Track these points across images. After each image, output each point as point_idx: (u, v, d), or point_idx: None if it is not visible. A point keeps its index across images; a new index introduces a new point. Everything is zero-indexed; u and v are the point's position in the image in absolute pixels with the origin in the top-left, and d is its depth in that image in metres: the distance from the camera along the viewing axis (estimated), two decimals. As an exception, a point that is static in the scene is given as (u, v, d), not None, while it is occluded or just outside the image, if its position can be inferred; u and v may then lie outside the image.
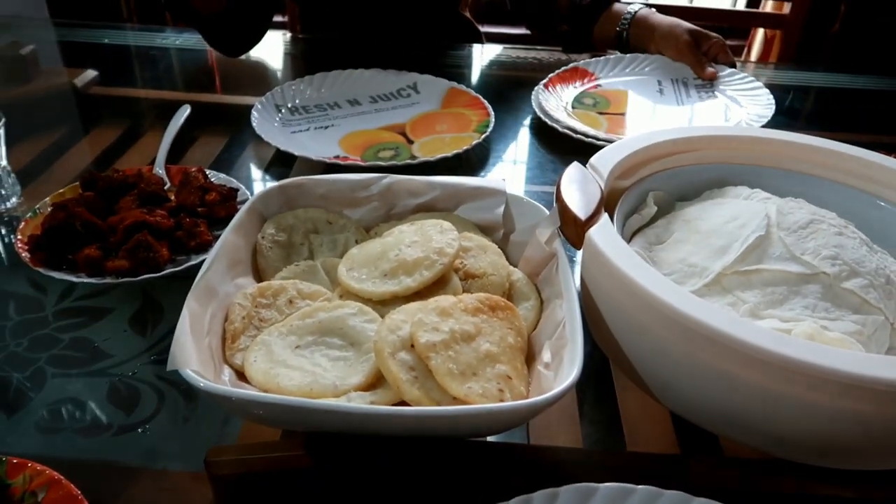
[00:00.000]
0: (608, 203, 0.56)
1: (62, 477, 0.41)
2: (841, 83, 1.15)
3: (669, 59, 1.05)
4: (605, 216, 0.52)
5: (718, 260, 0.53)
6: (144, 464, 0.49)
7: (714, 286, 0.52)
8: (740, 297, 0.51)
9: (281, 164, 0.84)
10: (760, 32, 1.50)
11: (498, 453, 0.48)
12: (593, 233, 0.51)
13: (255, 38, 1.11)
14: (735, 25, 1.56)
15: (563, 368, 0.43)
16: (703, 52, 1.04)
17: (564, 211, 0.53)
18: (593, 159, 0.60)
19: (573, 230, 0.52)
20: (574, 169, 0.58)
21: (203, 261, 0.61)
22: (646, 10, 1.09)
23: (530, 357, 0.49)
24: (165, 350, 0.58)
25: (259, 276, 0.56)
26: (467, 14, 1.30)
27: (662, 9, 1.11)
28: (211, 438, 0.51)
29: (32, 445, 0.50)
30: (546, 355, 0.45)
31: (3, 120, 0.69)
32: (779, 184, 0.63)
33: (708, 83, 1.03)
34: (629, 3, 1.11)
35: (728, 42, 1.08)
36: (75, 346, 0.58)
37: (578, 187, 0.56)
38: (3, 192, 0.72)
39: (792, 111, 1.06)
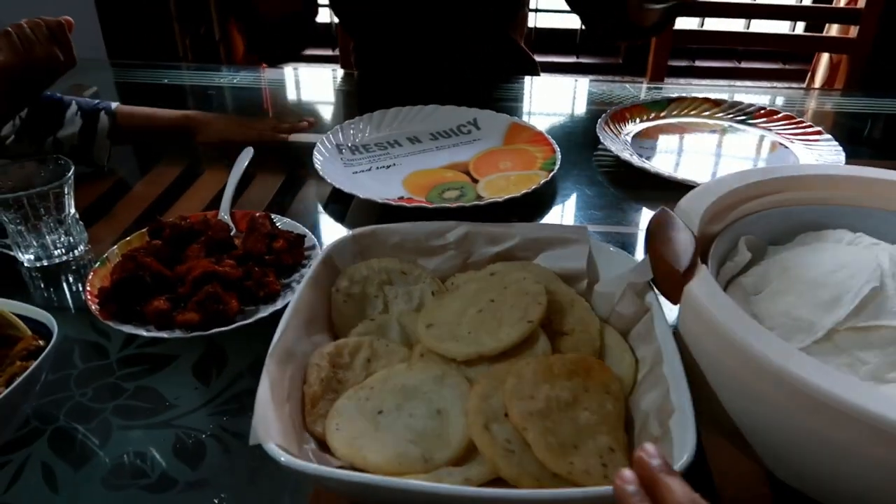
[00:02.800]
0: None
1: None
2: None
3: None
4: (704, 268, 0.49)
5: (828, 314, 0.49)
6: None
7: (826, 343, 0.48)
8: (859, 356, 0.46)
9: (339, 202, 0.83)
10: (825, 58, 1.45)
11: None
12: (694, 287, 0.47)
13: (300, 47, 1.10)
14: (796, 51, 1.51)
15: (674, 443, 0.39)
16: None
17: (659, 262, 0.50)
18: (682, 203, 0.56)
19: (669, 284, 0.49)
20: (662, 214, 0.55)
21: (273, 312, 0.60)
22: None
23: (627, 423, 0.46)
24: (230, 400, 0.57)
25: (334, 332, 0.54)
26: (522, 44, 1.28)
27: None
28: (281, 499, 0.49)
29: (98, 502, 0.49)
30: (654, 427, 0.41)
31: (73, 168, 0.69)
32: (884, 227, 0.58)
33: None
34: None
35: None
36: (140, 396, 0.57)
37: (669, 235, 0.52)
38: (72, 240, 0.72)
39: (870, 141, 1.01)
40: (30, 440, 0.53)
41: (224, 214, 0.74)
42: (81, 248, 0.73)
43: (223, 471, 0.50)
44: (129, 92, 1.22)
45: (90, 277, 0.64)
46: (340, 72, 1.30)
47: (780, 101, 1.14)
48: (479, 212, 0.68)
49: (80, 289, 0.67)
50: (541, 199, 0.84)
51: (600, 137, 0.92)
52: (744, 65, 1.74)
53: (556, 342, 0.50)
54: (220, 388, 0.58)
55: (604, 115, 0.97)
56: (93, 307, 0.60)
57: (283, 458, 0.38)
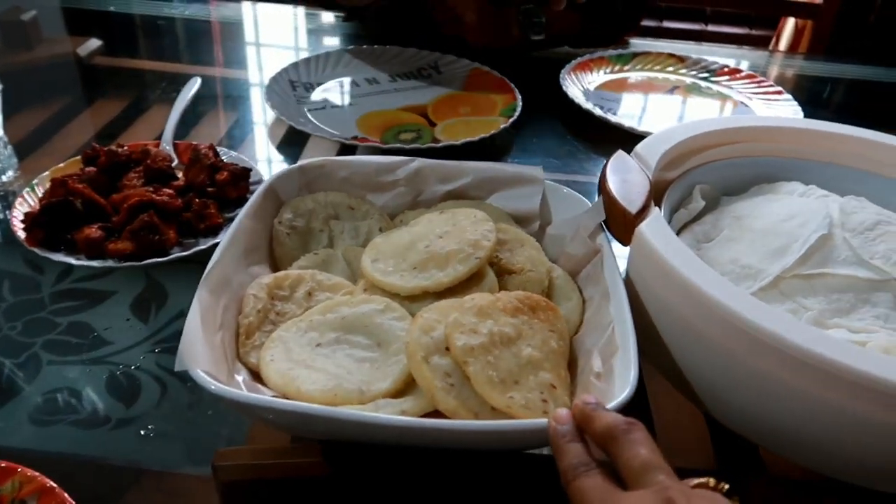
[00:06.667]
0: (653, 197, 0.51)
1: (55, 485, 0.37)
2: (879, 76, 1.10)
3: None
4: (656, 210, 0.48)
5: (776, 261, 0.49)
6: (144, 463, 0.46)
7: (771, 290, 0.48)
8: (802, 303, 0.46)
9: (293, 144, 0.80)
10: (790, 22, 1.45)
11: (532, 466, 0.44)
12: (645, 228, 0.46)
13: None
14: (763, 14, 1.50)
15: (615, 380, 0.39)
16: None
17: (611, 203, 0.49)
18: (639, 148, 0.55)
19: (621, 225, 0.48)
20: (619, 158, 0.54)
21: (213, 245, 0.57)
22: None
23: (572, 362, 0.45)
24: (170, 338, 0.55)
25: (275, 265, 0.52)
26: None
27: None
28: (217, 436, 0.48)
29: (25, 438, 0.47)
30: (596, 363, 0.41)
31: (0, 87, 0.64)
32: (835, 181, 0.58)
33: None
34: None
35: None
36: (73, 331, 0.55)
37: (624, 178, 0.51)
38: (-1, 164, 0.67)
39: (829, 105, 1.01)
40: (-51, 372, 0.50)
41: (166, 145, 0.70)
42: (10, 173, 0.68)
43: (159, 409, 0.49)
44: (74, 18, 1.15)
45: (17, 203, 0.60)
46: (301, 10, 1.24)
47: (745, 63, 1.13)
48: (434, 154, 0.66)
49: (7, 217, 0.63)
50: (499, 146, 0.82)
51: (563, 86, 0.90)
52: (711, 28, 1.74)
53: (504, 280, 0.49)
54: (158, 325, 0.56)
55: (567, 65, 0.95)
56: (19, 233, 0.57)
57: (213, 385, 0.36)
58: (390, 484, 0.41)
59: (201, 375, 0.36)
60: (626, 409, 0.37)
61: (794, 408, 0.39)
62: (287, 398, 0.40)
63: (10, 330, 0.54)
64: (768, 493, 0.43)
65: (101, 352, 0.53)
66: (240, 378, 0.41)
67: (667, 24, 1.80)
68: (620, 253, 0.49)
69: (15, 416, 0.48)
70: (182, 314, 0.57)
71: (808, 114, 0.88)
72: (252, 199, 0.51)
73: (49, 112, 0.84)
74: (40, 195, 0.61)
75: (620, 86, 0.97)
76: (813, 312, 0.45)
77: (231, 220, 0.61)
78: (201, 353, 0.37)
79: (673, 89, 0.97)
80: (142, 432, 0.47)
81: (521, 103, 0.85)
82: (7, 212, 0.65)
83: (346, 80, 0.91)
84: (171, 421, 0.48)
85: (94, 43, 1.01)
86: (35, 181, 0.63)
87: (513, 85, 0.89)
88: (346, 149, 0.75)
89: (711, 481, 0.29)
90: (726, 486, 0.29)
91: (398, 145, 0.75)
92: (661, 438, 0.48)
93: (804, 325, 0.42)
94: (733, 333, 0.39)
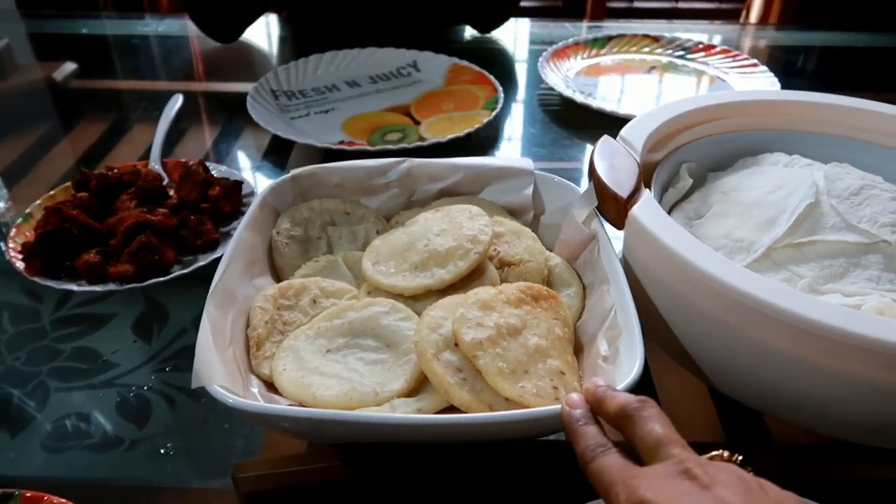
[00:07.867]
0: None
1: (83, 510, 0.37)
2: (849, 42, 1.12)
3: None
4: (647, 192, 0.49)
5: (767, 233, 0.50)
6: (163, 481, 0.46)
7: (764, 261, 0.49)
8: (795, 271, 0.48)
9: (279, 152, 0.80)
10: (759, -7, 1.47)
11: (548, 453, 0.45)
12: (637, 211, 0.47)
13: (247, 21, 1.04)
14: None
15: (621, 362, 0.40)
16: None
17: (602, 189, 0.49)
18: (624, 131, 0.56)
19: (614, 209, 0.49)
20: (605, 143, 0.54)
21: (212, 261, 0.58)
22: None
23: (577, 348, 0.46)
24: (175, 356, 0.55)
25: (276, 275, 0.52)
26: None
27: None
28: (232, 448, 0.48)
29: (40, 466, 0.47)
30: (602, 347, 0.42)
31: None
32: (818, 149, 0.59)
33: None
34: None
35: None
36: (77, 356, 0.55)
37: (612, 163, 0.52)
38: (-11, 196, 0.67)
39: (804, 73, 1.03)
40: (-41, 409, 0.51)
41: (155, 164, 0.70)
42: (1, 204, 0.68)
43: (171, 427, 0.49)
44: (46, 43, 1.14)
45: (12, 234, 0.60)
46: (273, 17, 1.24)
47: (717, 38, 1.15)
48: (422, 153, 0.66)
49: (3, 248, 0.63)
50: (484, 139, 0.83)
51: (542, 75, 0.91)
52: (682, 5, 1.76)
53: (504, 273, 0.49)
54: (162, 344, 0.56)
55: (545, 53, 0.96)
56: (17, 264, 0.57)
57: (231, 399, 0.37)
58: (408, 482, 0.42)
59: (219, 391, 0.37)
60: (632, 388, 0.38)
61: (794, 374, 0.41)
62: (303, 406, 0.40)
63: (14, 360, 0.55)
64: (775, 460, 0.44)
65: (107, 375, 0.53)
66: (255, 390, 0.42)
67: (637, 3, 1.81)
68: (615, 235, 0.50)
69: (29, 445, 0.48)
70: (184, 331, 0.57)
71: (784, 83, 0.90)
72: (248, 212, 0.51)
73: (31, 139, 0.83)
74: (34, 224, 0.61)
75: (598, 70, 0.98)
76: (806, 280, 0.47)
77: (227, 234, 0.62)
78: (216, 369, 0.38)
79: (650, 70, 0.98)
80: (161, 451, 0.47)
81: (502, 96, 0.86)
82: (2, 244, 0.65)
83: (328, 85, 0.92)
84: (186, 437, 0.48)
85: (70, 66, 1.01)
86: (28, 210, 0.63)
87: (492, 78, 0.89)
88: (332, 154, 0.75)
89: (725, 453, 0.30)
90: (740, 457, 0.30)
91: (386, 147, 0.76)
92: (668, 414, 0.48)
93: (799, 293, 0.43)
94: (731, 306, 0.41)
